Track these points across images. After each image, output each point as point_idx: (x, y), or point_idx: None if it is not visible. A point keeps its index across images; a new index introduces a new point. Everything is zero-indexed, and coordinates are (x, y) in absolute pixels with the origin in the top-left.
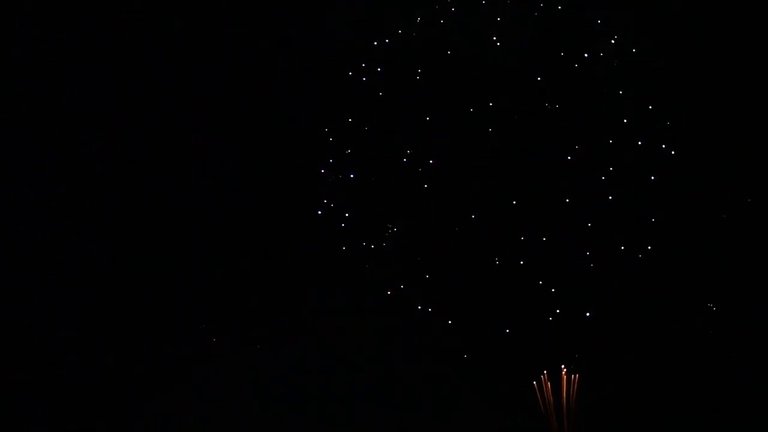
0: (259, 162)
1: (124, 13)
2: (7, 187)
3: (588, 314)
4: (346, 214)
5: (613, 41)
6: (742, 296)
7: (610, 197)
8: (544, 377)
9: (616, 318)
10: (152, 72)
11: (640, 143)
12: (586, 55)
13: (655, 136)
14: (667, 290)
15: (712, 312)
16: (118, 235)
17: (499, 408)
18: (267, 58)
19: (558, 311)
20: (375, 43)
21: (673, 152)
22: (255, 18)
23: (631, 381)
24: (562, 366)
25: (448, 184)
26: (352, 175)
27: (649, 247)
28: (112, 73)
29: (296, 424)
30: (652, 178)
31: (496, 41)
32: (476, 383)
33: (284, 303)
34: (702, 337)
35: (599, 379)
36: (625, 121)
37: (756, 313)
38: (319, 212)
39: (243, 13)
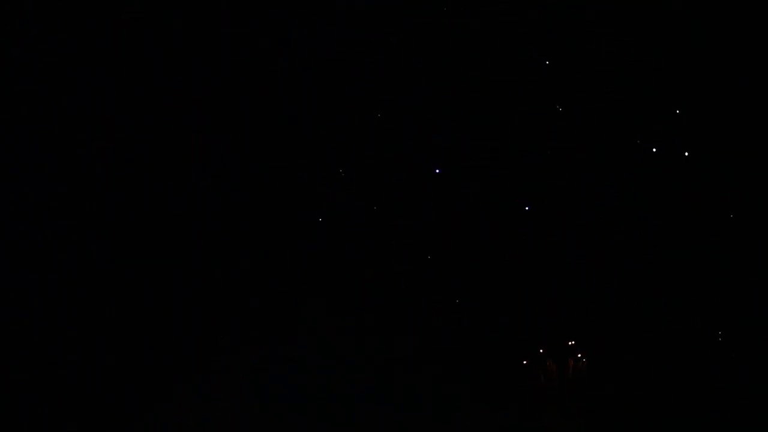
0: (259, 162)
1: (124, 13)
2: (7, 187)
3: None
4: (347, 214)
5: (613, 41)
6: (742, 296)
7: (611, 197)
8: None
9: (616, 318)
10: (152, 72)
11: (640, 143)
12: (586, 54)
13: (656, 136)
14: (667, 290)
15: (712, 312)
16: (118, 235)
17: (499, 408)
18: (267, 58)
19: (559, 311)
20: (376, 43)
21: (673, 152)
22: (255, 18)
23: (631, 380)
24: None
25: (448, 183)
26: (352, 175)
27: (650, 247)
28: (112, 73)
29: (296, 424)
30: (654, 176)
31: (498, 41)
32: (476, 383)
33: (284, 303)
34: (702, 338)
35: (599, 379)
36: (625, 121)
37: (756, 313)
38: (320, 212)
39: (243, 13)
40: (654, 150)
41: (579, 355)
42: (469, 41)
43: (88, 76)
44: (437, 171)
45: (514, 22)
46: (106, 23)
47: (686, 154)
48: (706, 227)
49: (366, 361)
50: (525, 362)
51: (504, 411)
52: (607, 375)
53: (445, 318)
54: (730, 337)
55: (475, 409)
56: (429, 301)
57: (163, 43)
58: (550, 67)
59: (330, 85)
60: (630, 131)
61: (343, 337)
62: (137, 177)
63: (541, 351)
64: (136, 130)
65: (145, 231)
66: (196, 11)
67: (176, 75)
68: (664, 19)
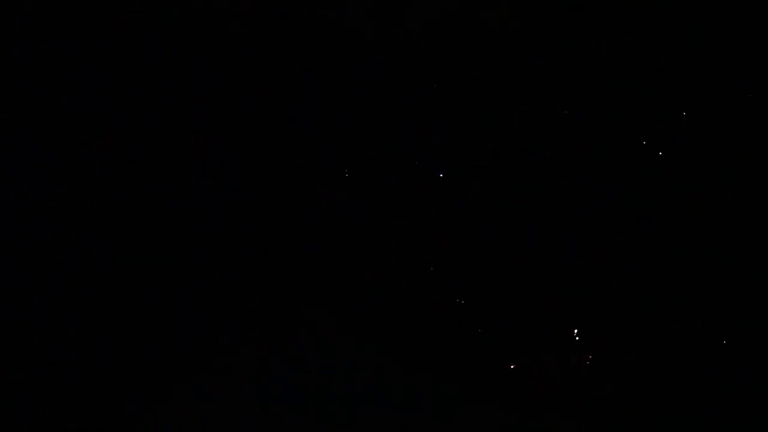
0: (259, 162)
1: (124, 13)
2: (7, 187)
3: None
4: (347, 215)
5: (613, 41)
6: (742, 296)
7: (611, 197)
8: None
9: (617, 317)
10: (152, 72)
11: (641, 143)
12: (586, 54)
13: (656, 136)
14: (667, 290)
15: (713, 312)
16: (118, 235)
17: (499, 408)
18: (267, 58)
19: (560, 311)
20: (376, 42)
21: (674, 152)
22: (255, 18)
23: (631, 380)
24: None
25: (448, 183)
26: (353, 176)
27: (650, 247)
28: (112, 73)
29: (296, 424)
30: (655, 176)
31: (497, 40)
32: (477, 383)
33: (284, 303)
34: (703, 338)
35: (599, 379)
36: (625, 121)
37: (756, 313)
38: (320, 212)
39: (243, 13)
40: (653, 149)
41: (580, 355)
42: (469, 41)
43: (88, 76)
44: (440, 175)
45: (514, 22)
46: (106, 23)
47: (686, 154)
48: (706, 227)
49: (366, 361)
50: (524, 362)
51: (504, 411)
52: (607, 375)
53: (445, 318)
54: (730, 338)
55: (475, 409)
56: (429, 301)
57: (163, 43)
58: (551, 67)
59: (330, 85)
60: (630, 131)
61: (343, 337)
62: (137, 177)
63: (540, 350)
64: (136, 130)
65: (145, 231)
66: (196, 11)
67: (176, 75)
68: (665, 19)
